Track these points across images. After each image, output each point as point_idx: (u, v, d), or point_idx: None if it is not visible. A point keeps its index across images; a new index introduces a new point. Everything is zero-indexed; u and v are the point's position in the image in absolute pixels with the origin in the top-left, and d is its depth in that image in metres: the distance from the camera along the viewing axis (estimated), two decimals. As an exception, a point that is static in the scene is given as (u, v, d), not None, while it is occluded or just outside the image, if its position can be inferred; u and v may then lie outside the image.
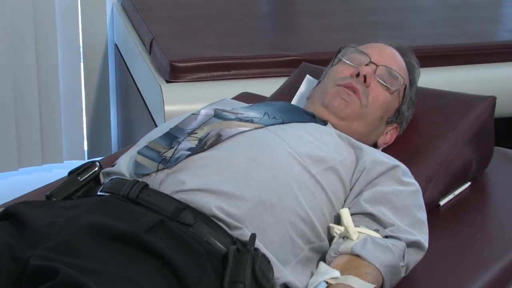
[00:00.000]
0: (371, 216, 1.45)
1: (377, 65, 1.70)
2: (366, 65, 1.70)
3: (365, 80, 1.67)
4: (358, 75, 1.67)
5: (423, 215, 1.50)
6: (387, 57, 1.73)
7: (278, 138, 1.49)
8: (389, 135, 1.77)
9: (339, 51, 1.79)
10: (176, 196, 1.36)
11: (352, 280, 1.31)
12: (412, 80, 1.78)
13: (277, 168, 1.43)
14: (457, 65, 2.78)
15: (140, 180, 1.39)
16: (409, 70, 1.78)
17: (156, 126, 2.57)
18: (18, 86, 3.26)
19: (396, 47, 1.79)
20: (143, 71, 2.82)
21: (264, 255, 1.31)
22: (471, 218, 1.78)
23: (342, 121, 1.66)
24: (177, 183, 1.38)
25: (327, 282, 1.32)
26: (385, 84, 1.70)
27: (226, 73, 2.64)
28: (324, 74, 1.80)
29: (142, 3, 3.21)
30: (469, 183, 1.88)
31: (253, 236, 1.31)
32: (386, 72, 1.71)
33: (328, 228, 1.45)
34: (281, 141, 1.48)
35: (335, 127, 1.64)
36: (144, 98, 2.84)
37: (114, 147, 3.61)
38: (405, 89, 1.74)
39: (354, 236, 1.40)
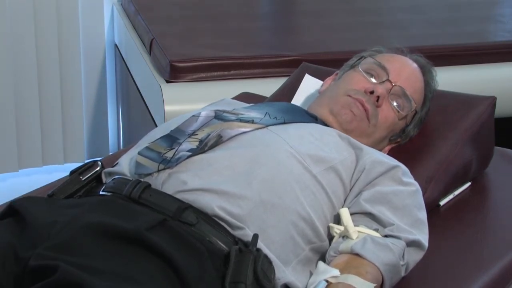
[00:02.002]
0: (370, 215, 1.45)
1: (393, 85, 1.67)
2: (383, 82, 1.67)
3: (377, 100, 1.65)
4: (372, 92, 1.65)
5: (423, 215, 1.50)
6: (406, 76, 1.70)
7: (279, 138, 1.49)
8: (387, 148, 1.76)
9: (361, 57, 1.75)
10: (178, 196, 1.36)
11: (352, 279, 1.31)
12: (426, 100, 1.75)
13: (278, 168, 1.43)
14: (457, 65, 2.78)
15: (142, 180, 1.40)
16: (426, 89, 1.75)
17: (156, 126, 2.57)
18: (18, 87, 3.26)
19: (420, 65, 1.75)
20: (143, 71, 2.82)
21: (266, 256, 1.32)
22: (471, 218, 1.78)
23: (345, 133, 1.64)
24: (179, 183, 1.38)
25: (327, 281, 1.32)
26: (396, 107, 1.68)
27: (226, 73, 2.64)
28: (342, 73, 1.77)
29: (142, 3, 3.21)
30: (469, 183, 1.88)
31: (255, 237, 1.31)
32: (400, 94, 1.68)
33: (329, 228, 1.45)
34: (282, 141, 1.48)
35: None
36: (144, 98, 2.84)
37: (112, 148, 3.60)
38: (415, 114, 1.73)
39: (354, 235, 1.40)
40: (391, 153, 1.72)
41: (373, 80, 1.68)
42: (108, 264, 1.20)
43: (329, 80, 1.82)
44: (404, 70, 1.71)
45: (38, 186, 1.79)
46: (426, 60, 1.78)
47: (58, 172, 3.40)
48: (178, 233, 1.28)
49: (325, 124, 1.65)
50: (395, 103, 1.68)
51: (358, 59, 1.76)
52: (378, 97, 1.64)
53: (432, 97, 1.78)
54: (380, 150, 1.72)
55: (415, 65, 1.74)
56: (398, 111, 1.68)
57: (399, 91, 1.68)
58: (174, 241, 1.26)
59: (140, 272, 1.20)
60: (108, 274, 1.18)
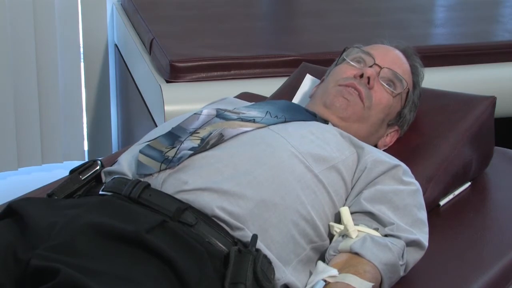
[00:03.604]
0: (371, 215, 1.45)
1: (381, 68, 1.70)
2: (370, 66, 1.69)
3: (368, 82, 1.67)
4: (361, 76, 1.67)
5: (423, 215, 1.50)
6: (391, 60, 1.73)
7: (280, 137, 1.49)
8: (389, 137, 1.77)
9: (343, 51, 1.79)
10: (178, 196, 1.36)
11: (350, 278, 1.31)
12: (416, 83, 1.78)
13: (279, 167, 1.43)
14: (457, 65, 2.78)
15: (142, 180, 1.39)
16: (413, 73, 1.77)
17: (156, 126, 2.57)
18: (18, 86, 3.26)
19: (402, 49, 1.78)
20: (143, 71, 2.82)
21: (265, 256, 1.32)
22: (471, 218, 1.78)
23: (343, 122, 1.66)
24: (179, 183, 1.38)
25: (325, 281, 1.32)
26: (388, 87, 1.70)
27: (226, 73, 2.64)
28: (328, 73, 1.80)
29: (142, 3, 3.21)
30: (469, 183, 1.88)
31: (254, 237, 1.31)
32: (390, 75, 1.70)
33: (329, 227, 1.45)
34: (283, 141, 1.48)
35: (336, 127, 1.64)
36: (144, 98, 2.84)
37: (114, 147, 3.61)
38: (407, 92, 1.74)
39: (354, 234, 1.40)
40: (391, 152, 1.72)
41: (361, 66, 1.71)
42: (108, 265, 1.20)
43: (315, 87, 1.83)
44: (388, 54, 1.74)
45: (38, 185, 1.79)
46: (406, 45, 1.81)
47: (57, 170, 3.40)
48: (178, 235, 1.28)
49: (324, 120, 1.65)
50: (386, 84, 1.69)
51: (341, 55, 1.78)
52: (368, 78, 1.66)
53: (422, 79, 1.80)
54: (381, 137, 1.74)
55: (397, 50, 1.77)
56: (392, 91, 1.70)
57: (388, 72, 1.70)
58: (173, 242, 1.26)
59: (141, 273, 1.20)
60: (109, 275, 1.17)
